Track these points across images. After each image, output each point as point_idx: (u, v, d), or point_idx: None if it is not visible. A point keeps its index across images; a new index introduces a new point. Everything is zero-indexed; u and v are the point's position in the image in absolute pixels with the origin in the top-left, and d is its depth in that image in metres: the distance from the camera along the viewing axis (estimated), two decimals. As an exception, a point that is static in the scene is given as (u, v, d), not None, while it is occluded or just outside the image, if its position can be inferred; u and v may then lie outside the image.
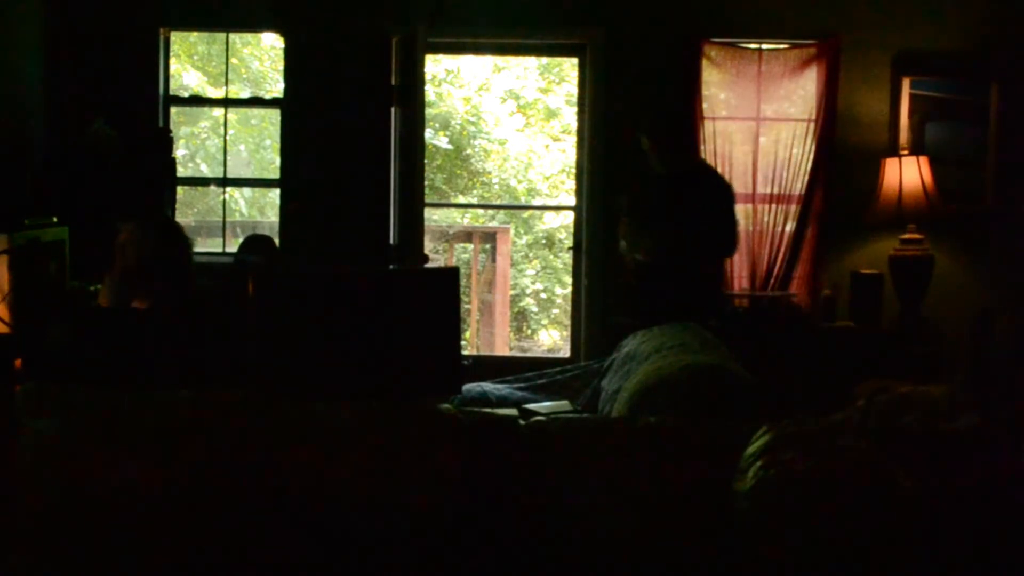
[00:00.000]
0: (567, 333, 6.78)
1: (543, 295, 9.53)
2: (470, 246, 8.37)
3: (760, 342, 4.77)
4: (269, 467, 2.07)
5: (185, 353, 2.95)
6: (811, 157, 5.25)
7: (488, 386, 3.72)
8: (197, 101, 7.43)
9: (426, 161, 6.07)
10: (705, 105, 5.26)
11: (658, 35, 5.30)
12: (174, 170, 5.10)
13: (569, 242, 6.27)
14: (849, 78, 5.26)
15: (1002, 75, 5.25)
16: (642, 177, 4.76)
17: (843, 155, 5.27)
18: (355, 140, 5.29)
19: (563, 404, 3.49)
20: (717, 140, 5.28)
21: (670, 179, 4.56)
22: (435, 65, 9.50)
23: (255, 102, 7.78)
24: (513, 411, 3.22)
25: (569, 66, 9.20)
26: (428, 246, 6.66)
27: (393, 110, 5.28)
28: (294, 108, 5.38)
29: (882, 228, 5.18)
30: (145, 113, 5.22)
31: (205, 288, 3.59)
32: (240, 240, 4.95)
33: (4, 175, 4.42)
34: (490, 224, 9.65)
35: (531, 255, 9.84)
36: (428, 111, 7.24)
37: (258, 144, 9.69)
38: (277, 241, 5.51)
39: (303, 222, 5.37)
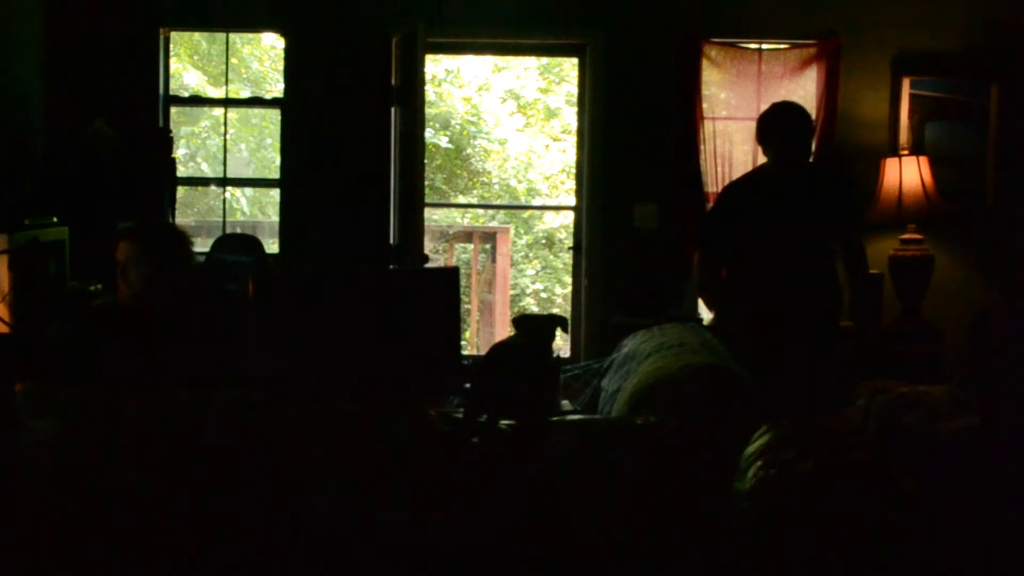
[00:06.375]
0: (567, 333, 6.78)
1: (543, 295, 9.53)
2: (470, 246, 8.37)
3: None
4: (268, 467, 2.07)
5: (185, 353, 2.94)
6: (811, 157, 5.24)
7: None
8: (197, 101, 7.43)
9: (426, 161, 6.07)
10: (705, 105, 5.26)
11: (658, 35, 5.30)
12: (174, 170, 5.09)
13: (569, 242, 6.27)
14: (849, 78, 5.26)
15: (1002, 75, 5.25)
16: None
17: (843, 155, 5.27)
18: (355, 140, 5.29)
19: (563, 404, 3.48)
20: (717, 140, 5.28)
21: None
22: (435, 65, 9.50)
23: (255, 102, 7.78)
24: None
25: (569, 66, 9.21)
26: (428, 246, 6.66)
27: (393, 110, 5.28)
28: (294, 108, 5.38)
29: (882, 228, 5.18)
30: (145, 113, 5.22)
31: (205, 288, 3.59)
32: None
33: (4, 175, 4.42)
34: (490, 224, 9.65)
35: (531, 255, 9.84)
36: (428, 111, 7.24)
37: (258, 144, 9.69)
38: (277, 241, 5.51)
39: (303, 222, 5.37)
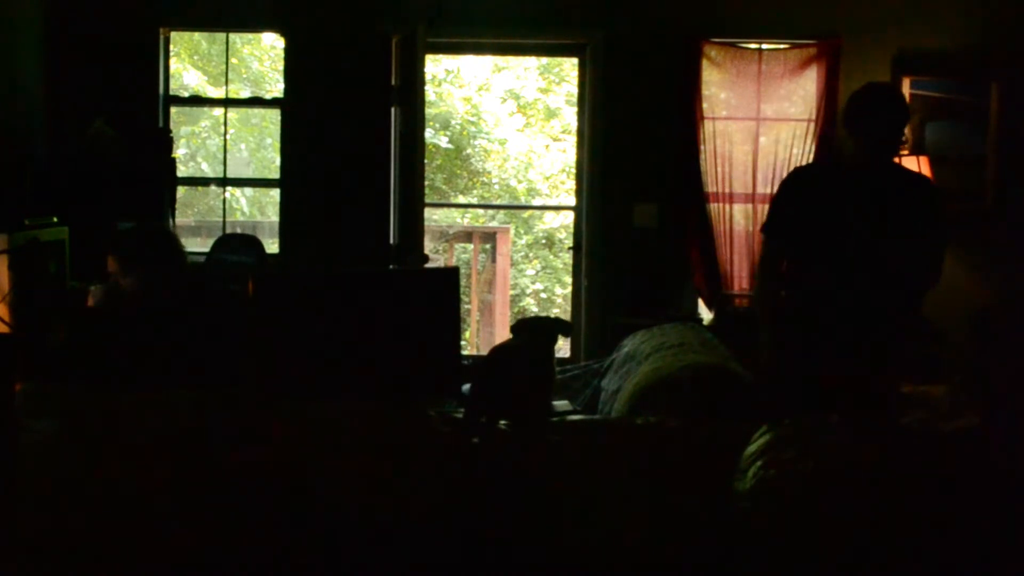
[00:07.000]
0: (568, 337, 6.78)
1: (543, 295, 9.53)
2: (470, 246, 8.37)
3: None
4: (268, 467, 2.07)
5: (184, 353, 2.95)
6: (811, 157, 5.25)
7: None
8: (197, 101, 7.43)
9: (426, 161, 6.07)
10: (705, 105, 5.26)
11: (658, 35, 5.30)
12: (174, 170, 5.09)
13: (569, 242, 6.27)
14: (849, 78, 5.25)
15: (1002, 75, 5.25)
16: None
17: (844, 155, 5.26)
18: (355, 140, 5.29)
19: (563, 404, 3.49)
20: (717, 140, 5.28)
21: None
22: (435, 65, 9.51)
23: (255, 102, 7.78)
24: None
25: (569, 66, 9.21)
26: (428, 246, 6.66)
27: (393, 110, 5.28)
28: (294, 108, 5.38)
29: (882, 228, 5.17)
30: (145, 113, 5.22)
31: (205, 288, 3.59)
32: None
33: (4, 175, 4.42)
34: (490, 224, 9.66)
35: (531, 255, 9.84)
36: (428, 111, 7.24)
37: (258, 144, 9.70)
38: (277, 241, 5.51)
39: (303, 222, 5.37)
